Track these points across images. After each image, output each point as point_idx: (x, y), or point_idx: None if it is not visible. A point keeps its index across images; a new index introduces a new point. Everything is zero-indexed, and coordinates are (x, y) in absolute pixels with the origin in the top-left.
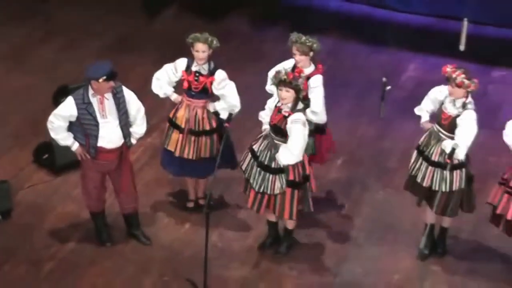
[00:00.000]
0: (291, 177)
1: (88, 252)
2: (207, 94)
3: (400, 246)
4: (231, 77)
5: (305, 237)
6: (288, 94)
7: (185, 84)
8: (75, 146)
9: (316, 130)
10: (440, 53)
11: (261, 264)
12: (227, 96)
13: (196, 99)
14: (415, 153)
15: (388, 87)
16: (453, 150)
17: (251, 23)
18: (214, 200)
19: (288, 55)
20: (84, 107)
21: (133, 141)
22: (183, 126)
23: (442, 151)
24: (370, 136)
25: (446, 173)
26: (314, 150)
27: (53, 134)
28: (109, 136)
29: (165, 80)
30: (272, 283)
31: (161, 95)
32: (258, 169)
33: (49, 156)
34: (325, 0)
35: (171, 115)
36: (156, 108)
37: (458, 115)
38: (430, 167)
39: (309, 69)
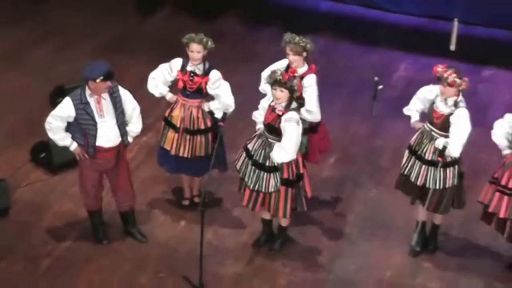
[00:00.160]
0: (285, 175)
1: (85, 249)
2: (201, 94)
3: (392, 243)
4: (224, 77)
5: (299, 234)
6: (282, 94)
7: (180, 84)
8: (73, 146)
9: (309, 129)
10: (430, 53)
11: (255, 260)
12: (222, 96)
13: (191, 98)
14: (407, 153)
15: (380, 86)
16: (444, 148)
17: (244, 23)
18: (209, 198)
19: (281, 55)
20: (82, 107)
21: (130, 139)
22: (178, 125)
23: (436, 150)
24: (362, 134)
25: (440, 171)
26: (307, 149)
27: (51, 135)
28: (107, 135)
29: (160, 79)
30: (266, 279)
31: (157, 95)
32: (253, 167)
33: (46, 155)
34: (317, 1)
35: (166, 114)
36: (152, 107)
37: (451, 114)
38: (424, 166)
39: (302, 69)
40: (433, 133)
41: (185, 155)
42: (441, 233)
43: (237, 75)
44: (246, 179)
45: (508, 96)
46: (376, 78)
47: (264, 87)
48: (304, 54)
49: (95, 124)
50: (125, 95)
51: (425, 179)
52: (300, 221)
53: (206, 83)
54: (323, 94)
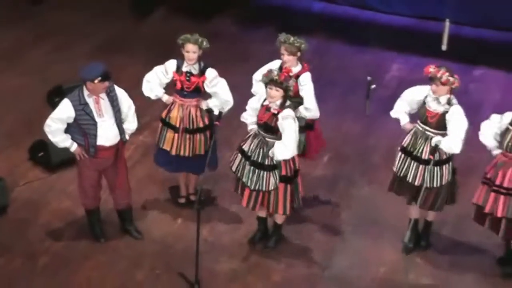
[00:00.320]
0: (283, 173)
1: (82, 247)
2: (199, 93)
3: (385, 240)
4: (220, 77)
5: (293, 232)
6: (277, 94)
7: (178, 85)
8: (73, 147)
9: (306, 127)
10: (422, 53)
11: (250, 257)
12: (220, 93)
13: (189, 98)
14: (400, 155)
15: (373, 86)
16: (436, 146)
17: (239, 24)
18: (205, 196)
19: (276, 55)
20: (81, 108)
21: (127, 137)
22: (178, 125)
23: (432, 149)
24: (355, 133)
25: (437, 169)
26: (305, 147)
27: (51, 137)
28: (106, 134)
29: (155, 82)
30: (261, 276)
31: (153, 97)
32: (252, 168)
33: (44, 153)
34: (310, 2)
35: (163, 116)
36: (147, 107)
37: (445, 112)
38: (421, 166)
39: (296, 68)
40: (428, 132)
41: (186, 154)
42: (433, 231)
43: (232, 75)
44: (245, 180)
45: (498, 95)
46: (369, 78)
47: (256, 89)
48: (298, 54)
49: (95, 124)
50: (121, 94)
51: (423, 179)
52: (295, 219)
53: (203, 82)
54: (317, 93)
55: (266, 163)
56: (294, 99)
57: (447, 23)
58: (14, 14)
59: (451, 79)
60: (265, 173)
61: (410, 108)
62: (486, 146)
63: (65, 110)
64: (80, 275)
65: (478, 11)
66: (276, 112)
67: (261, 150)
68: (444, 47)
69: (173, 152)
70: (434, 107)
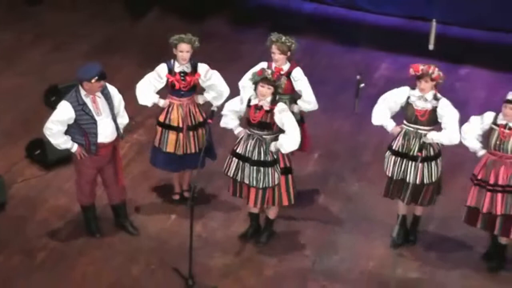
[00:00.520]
0: (282, 165)
1: (79, 242)
2: (195, 90)
3: (374, 235)
4: None
5: (285, 228)
6: (269, 91)
7: (177, 85)
8: (74, 148)
9: (299, 120)
10: (410, 52)
11: (243, 253)
12: (216, 85)
13: (186, 97)
14: (394, 159)
15: (362, 85)
16: (423, 143)
17: (230, 24)
18: (198, 193)
19: (267, 55)
20: (80, 108)
21: (121, 132)
22: (180, 125)
23: (427, 145)
24: (345, 131)
25: (434, 164)
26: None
27: (52, 140)
28: (105, 131)
29: (150, 89)
30: (253, 270)
31: (150, 105)
32: (254, 167)
33: (41, 152)
34: (301, 2)
35: (162, 119)
36: (141, 106)
37: (434, 107)
38: (420, 165)
39: (285, 66)
40: (419, 131)
41: (193, 151)
42: (421, 226)
43: (224, 75)
44: (248, 181)
45: (483, 93)
46: (358, 77)
47: (244, 96)
48: (288, 53)
49: (95, 122)
50: (112, 90)
51: (422, 177)
52: (286, 215)
53: (197, 79)
54: None
55: (269, 159)
56: (284, 96)
57: (434, 23)
58: (12, 15)
59: (441, 74)
60: (269, 169)
61: (391, 112)
62: (470, 148)
63: (65, 112)
64: (76, 271)
65: (464, 12)
66: (269, 108)
67: (261, 149)
68: (431, 46)
69: (180, 152)
70: (422, 105)
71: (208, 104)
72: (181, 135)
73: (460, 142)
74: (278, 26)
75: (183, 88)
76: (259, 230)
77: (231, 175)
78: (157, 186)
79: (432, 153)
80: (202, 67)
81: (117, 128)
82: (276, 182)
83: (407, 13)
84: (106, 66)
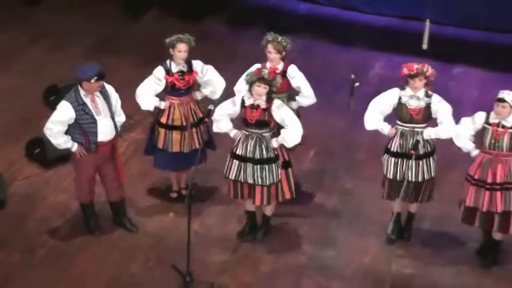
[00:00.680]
0: (281, 159)
1: (78, 239)
2: (193, 87)
3: (369, 231)
4: None
5: (281, 225)
6: (264, 91)
7: (177, 84)
8: (74, 147)
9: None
10: (404, 51)
11: (239, 249)
12: (212, 79)
13: (186, 95)
14: (394, 160)
15: (357, 84)
16: (417, 141)
17: (227, 25)
18: (196, 191)
19: (263, 55)
20: (80, 108)
21: (119, 130)
22: (184, 124)
23: (425, 143)
24: (340, 129)
25: (432, 160)
26: None
27: (53, 141)
28: (105, 129)
29: (150, 93)
30: (250, 267)
31: (151, 109)
32: (258, 166)
33: (40, 150)
34: (297, 3)
35: (164, 121)
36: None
37: (428, 104)
38: (420, 162)
39: (280, 65)
40: (416, 129)
41: (197, 147)
42: (415, 223)
43: (221, 74)
44: (252, 181)
45: (476, 92)
46: (352, 76)
47: (237, 98)
48: (283, 53)
49: (94, 121)
50: (110, 89)
51: (422, 173)
52: (282, 212)
53: (195, 77)
54: None
55: (271, 156)
56: (281, 94)
57: (428, 23)
58: (9, 16)
59: (433, 71)
60: (273, 165)
61: (383, 116)
62: (463, 149)
63: (65, 112)
64: (76, 267)
65: (457, 12)
66: (266, 106)
67: (262, 147)
68: (425, 46)
69: (187, 150)
70: (416, 104)
71: (205, 99)
72: (186, 133)
73: (450, 141)
74: (274, 26)
75: (183, 87)
76: (256, 227)
77: (233, 178)
78: (155, 184)
79: (429, 149)
80: (197, 64)
81: (116, 126)
82: (280, 178)
83: (401, 13)
84: (103, 66)
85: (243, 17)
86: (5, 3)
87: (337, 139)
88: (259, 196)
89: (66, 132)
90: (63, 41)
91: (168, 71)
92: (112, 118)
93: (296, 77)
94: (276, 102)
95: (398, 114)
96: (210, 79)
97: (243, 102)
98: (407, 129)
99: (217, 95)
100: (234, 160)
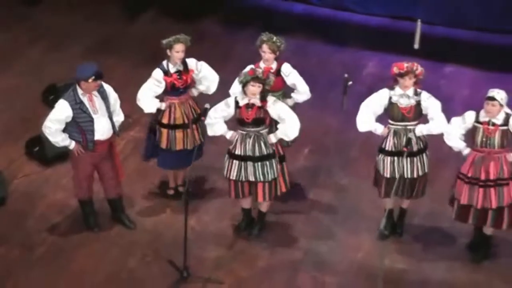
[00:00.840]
0: (277, 154)
1: (77, 236)
2: (191, 85)
3: (362, 227)
4: None
5: (276, 221)
6: (258, 89)
7: (177, 84)
8: (72, 145)
9: None
10: (396, 51)
11: (235, 245)
12: (207, 75)
13: (185, 94)
14: (389, 159)
15: (350, 82)
16: (409, 138)
17: (223, 25)
18: (192, 188)
19: (256, 55)
20: (78, 106)
21: (117, 129)
22: (186, 122)
23: (417, 139)
24: (334, 127)
25: (425, 156)
26: None
27: (51, 138)
28: (102, 128)
29: (150, 95)
30: (246, 262)
31: (154, 111)
32: (259, 163)
33: (39, 148)
34: (291, 4)
35: (166, 121)
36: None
37: (418, 101)
38: (414, 159)
39: (273, 65)
40: (408, 127)
41: (198, 141)
42: (407, 219)
43: (217, 74)
44: (254, 178)
45: (467, 91)
46: (345, 75)
47: (229, 100)
48: (278, 53)
49: (91, 120)
50: (108, 88)
51: (417, 169)
52: (277, 208)
53: (192, 75)
54: None
55: (271, 151)
56: (276, 93)
57: (419, 23)
58: (10, 16)
59: (423, 70)
60: (273, 160)
61: (375, 116)
62: (454, 148)
63: (63, 111)
64: (75, 263)
65: (448, 12)
66: (261, 104)
67: (261, 144)
68: (416, 45)
69: (190, 147)
70: (406, 102)
71: (200, 95)
72: (188, 131)
73: (442, 138)
74: (268, 26)
75: (182, 86)
76: (251, 223)
77: (234, 178)
78: (153, 181)
79: (422, 145)
80: (192, 62)
81: (113, 125)
82: (279, 172)
83: (393, 13)
84: (102, 66)
85: (238, 17)
86: (5, 3)
87: (331, 137)
88: (261, 193)
89: (64, 131)
90: (63, 41)
91: (166, 72)
92: (110, 117)
93: (290, 74)
94: (271, 99)
95: (390, 113)
96: (205, 75)
97: (237, 103)
98: (400, 127)
99: (212, 90)
100: (234, 161)
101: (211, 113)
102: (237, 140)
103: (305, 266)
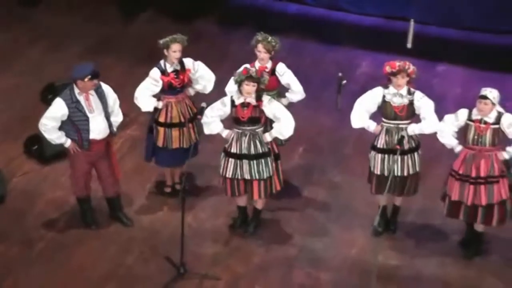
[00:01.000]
0: (272, 152)
1: (75, 234)
2: (187, 84)
3: (356, 224)
4: None
5: (271, 218)
6: (253, 88)
7: (174, 83)
8: (68, 143)
9: None
10: (389, 50)
11: (231, 242)
12: (204, 74)
13: (181, 93)
14: (380, 156)
15: (344, 81)
16: (402, 137)
17: (218, 25)
18: (189, 185)
19: (253, 54)
20: (74, 105)
21: (115, 129)
22: (183, 120)
23: (409, 138)
24: (328, 126)
25: (416, 155)
26: None
27: (47, 136)
28: (98, 128)
29: (148, 94)
30: (242, 258)
31: (151, 109)
32: (255, 161)
33: (38, 147)
34: (285, 4)
35: (163, 120)
36: (134, 103)
37: (411, 101)
38: (405, 157)
39: (268, 64)
40: (400, 125)
41: (194, 141)
42: (400, 216)
43: (213, 73)
44: (250, 176)
45: (459, 89)
46: (340, 74)
47: (226, 99)
48: (272, 53)
49: (87, 119)
50: (107, 89)
51: (408, 167)
52: (272, 205)
53: (188, 74)
54: None
55: (266, 150)
56: (270, 92)
57: (412, 23)
58: (10, 16)
59: (415, 69)
60: (268, 158)
61: (369, 114)
62: (447, 145)
63: (59, 109)
64: (73, 260)
65: (441, 12)
66: (256, 104)
67: (256, 142)
68: (409, 45)
69: (186, 145)
70: (399, 101)
71: (197, 94)
72: (184, 129)
73: (434, 137)
74: (263, 26)
75: (178, 85)
76: (247, 221)
77: (230, 176)
78: (150, 179)
79: (413, 144)
80: (188, 62)
81: (110, 125)
82: (274, 169)
83: (386, 13)
84: (100, 66)
85: (234, 17)
86: (5, 4)
87: (325, 135)
88: (257, 190)
89: (61, 129)
90: (62, 42)
91: (163, 72)
92: (107, 117)
93: (285, 74)
94: (266, 98)
95: (383, 112)
96: (201, 74)
97: (233, 102)
98: (392, 126)
99: (208, 89)
100: (230, 159)
101: (208, 112)
102: (233, 138)
103: (299, 262)
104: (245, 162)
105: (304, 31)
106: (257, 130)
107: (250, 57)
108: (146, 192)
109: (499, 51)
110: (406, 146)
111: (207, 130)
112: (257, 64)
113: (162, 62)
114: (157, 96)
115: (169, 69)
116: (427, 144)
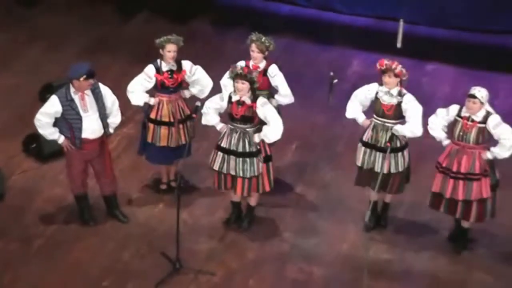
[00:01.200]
0: (263, 154)
1: (73, 230)
2: (182, 86)
3: (348, 220)
4: None
5: (265, 214)
6: (244, 86)
7: (167, 83)
8: (61, 139)
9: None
10: (380, 50)
11: (226, 238)
12: (201, 78)
13: (175, 93)
14: (364, 149)
15: (336, 80)
16: (393, 135)
17: (213, 25)
18: (184, 182)
19: (247, 54)
20: (68, 103)
21: (111, 130)
22: (172, 120)
23: (395, 137)
24: (321, 123)
25: (400, 154)
26: None
27: (41, 131)
28: (91, 127)
29: (140, 90)
30: (236, 254)
31: (141, 104)
32: (241, 159)
33: (36, 145)
34: (279, 5)
35: (153, 116)
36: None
37: (399, 102)
38: (387, 155)
39: (262, 64)
40: (387, 124)
41: (184, 142)
42: (391, 212)
43: (208, 72)
44: (235, 173)
45: (448, 88)
46: (331, 73)
47: (224, 93)
48: (266, 53)
49: (80, 118)
50: (105, 91)
51: (390, 166)
52: (266, 202)
53: (184, 75)
54: None
55: (254, 150)
56: (262, 92)
57: (402, 23)
58: (9, 17)
59: (403, 70)
60: (255, 159)
61: (363, 107)
62: (436, 138)
63: (53, 106)
64: (71, 256)
65: (430, 12)
66: (251, 104)
67: (245, 141)
68: (399, 44)
69: (173, 145)
70: (388, 100)
71: (193, 98)
72: (173, 129)
73: (427, 133)
74: (257, 26)
75: (172, 85)
76: (241, 217)
77: (217, 168)
78: (146, 177)
79: (398, 144)
80: (186, 64)
81: (105, 125)
82: (260, 171)
83: (377, 13)
84: (97, 65)
85: (228, 18)
86: (4, 5)
87: (317, 133)
88: (240, 187)
89: (56, 125)
90: (60, 42)
91: (158, 70)
92: (101, 118)
93: (275, 76)
94: (260, 100)
95: (374, 107)
96: (198, 78)
97: (230, 98)
98: (379, 123)
99: (204, 95)
100: (219, 152)
101: (208, 103)
102: (225, 133)
103: (293, 257)
104: (232, 158)
105: (297, 31)
106: (248, 129)
107: (245, 56)
108: (142, 189)
109: (488, 51)
110: (389, 144)
111: (204, 121)
112: (251, 63)
113: (159, 60)
114: (150, 93)
115: (164, 68)
116: (418, 141)
